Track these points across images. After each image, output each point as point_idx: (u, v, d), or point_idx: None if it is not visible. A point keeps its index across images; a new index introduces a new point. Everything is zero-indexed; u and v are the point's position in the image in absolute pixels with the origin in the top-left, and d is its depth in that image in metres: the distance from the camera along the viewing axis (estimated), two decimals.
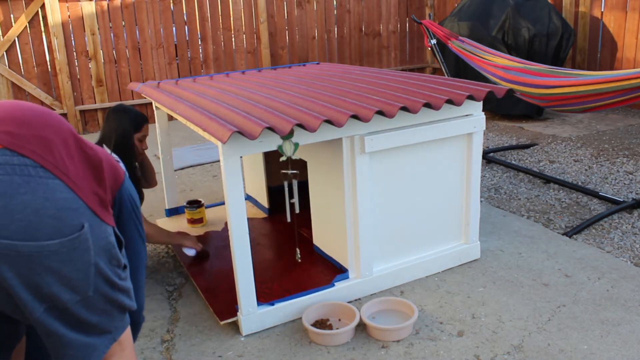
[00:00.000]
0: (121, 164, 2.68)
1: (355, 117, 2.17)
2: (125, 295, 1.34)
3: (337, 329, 2.22)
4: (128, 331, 1.42)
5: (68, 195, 1.19)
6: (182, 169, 4.69)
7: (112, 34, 6.14)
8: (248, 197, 3.70)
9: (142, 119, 2.74)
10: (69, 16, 5.90)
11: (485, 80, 4.87)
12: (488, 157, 4.37)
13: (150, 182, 3.03)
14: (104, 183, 1.32)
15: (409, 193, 2.55)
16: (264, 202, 3.43)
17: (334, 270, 2.60)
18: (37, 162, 1.18)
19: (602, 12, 5.94)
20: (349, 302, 2.45)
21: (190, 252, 2.82)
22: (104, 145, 2.67)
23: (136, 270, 1.60)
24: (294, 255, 2.80)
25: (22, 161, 1.16)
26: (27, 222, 1.13)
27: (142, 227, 1.62)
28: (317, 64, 3.80)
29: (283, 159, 2.19)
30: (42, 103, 5.96)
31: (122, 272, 1.33)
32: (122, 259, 1.32)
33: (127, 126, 2.69)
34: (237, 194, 2.13)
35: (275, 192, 3.45)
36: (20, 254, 1.13)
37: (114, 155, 2.66)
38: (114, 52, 6.17)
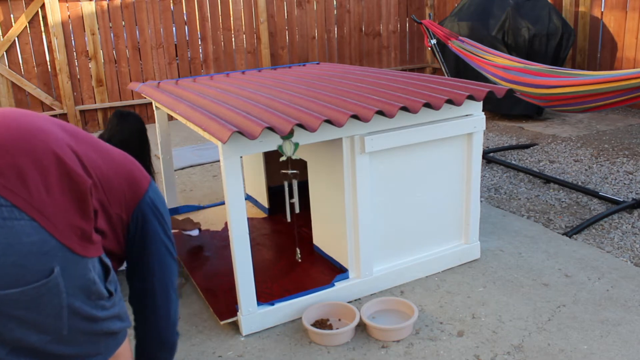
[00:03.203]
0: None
1: (355, 117, 2.17)
2: (114, 321, 1.27)
3: (337, 329, 2.22)
4: (125, 343, 1.35)
5: (36, 237, 1.09)
6: (182, 169, 4.69)
7: (112, 34, 6.15)
8: (248, 197, 3.70)
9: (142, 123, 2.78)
10: (69, 16, 5.90)
11: (485, 80, 4.87)
12: (488, 157, 4.37)
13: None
14: (88, 213, 1.21)
15: (409, 193, 2.55)
16: (264, 202, 3.43)
17: (334, 270, 2.60)
18: (7, 199, 1.07)
19: (602, 12, 5.94)
20: (349, 302, 2.45)
21: (194, 232, 2.98)
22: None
23: (166, 286, 1.48)
24: (294, 255, 2.80)
25: None
26: None
27: (171, 238, 1.49)
28: (317, 64, 3.80)
29: (283, 159, 2.19)
30: (42, 103, 5.97)
31: (106, 302, 1.24)
32: (103, 290, 1.23)
33: (143, 128, 2.71)
34: (237, 194, 2.13)
35: (275, 192, 3.46)
36: None
37: None
38: (114, 52, 6.18)
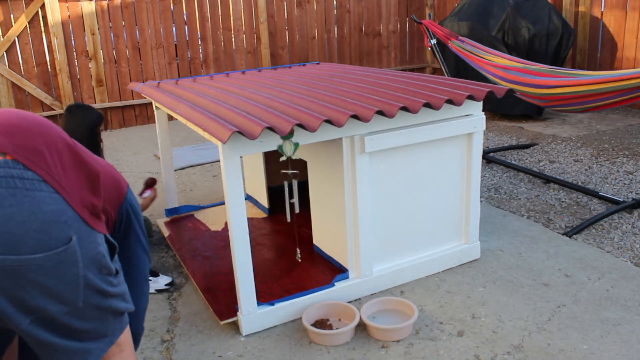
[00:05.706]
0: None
1: (355, 117, 2.17)
2: (120, 300, 1.33)
3: (337, 329, 2.22)
4: (127, 332, 1.40)
5: (56, 207, 1.17)
6: (182, 169, 4.69)
7: (112, 34, 6.15)
8: (248, 197, 3.70)
9: (101, 115, 2.96)
10: (69, 16, 5.90)
11: (485, 80, 4.87)
12: (488, 157, 4.37)
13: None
14: (99, 192, 1.31)
15: (409, 193, 2.55)
16: (264, 202, 3.43)
17: (334, 270, 2.60)
18: (28, 167, 1.16)
19: (602, 12, 5.94)
20: (349, 302, 2.45)
21: (146, 194, 3.12)
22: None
23: (138, 283, 1.60)
24: (294, 255, 2.80)
25: (8, 173, 1.14)
26: (10, 235, 1.11)
27: (146, 238, 1.63)
28: (317, 64, 3.80)
29: (283, 159, 2.19)
30: (42, 103, 5.96)
31: (114, 279, 1.31)
32: (112, 266, 1.30)
33: (94, 120, 2.87)
34: (237, 194, 2.13)
35: (275, 192, 3.46)
36: (2, 267, 1.11)
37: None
38: (114, 52, 6.17)
